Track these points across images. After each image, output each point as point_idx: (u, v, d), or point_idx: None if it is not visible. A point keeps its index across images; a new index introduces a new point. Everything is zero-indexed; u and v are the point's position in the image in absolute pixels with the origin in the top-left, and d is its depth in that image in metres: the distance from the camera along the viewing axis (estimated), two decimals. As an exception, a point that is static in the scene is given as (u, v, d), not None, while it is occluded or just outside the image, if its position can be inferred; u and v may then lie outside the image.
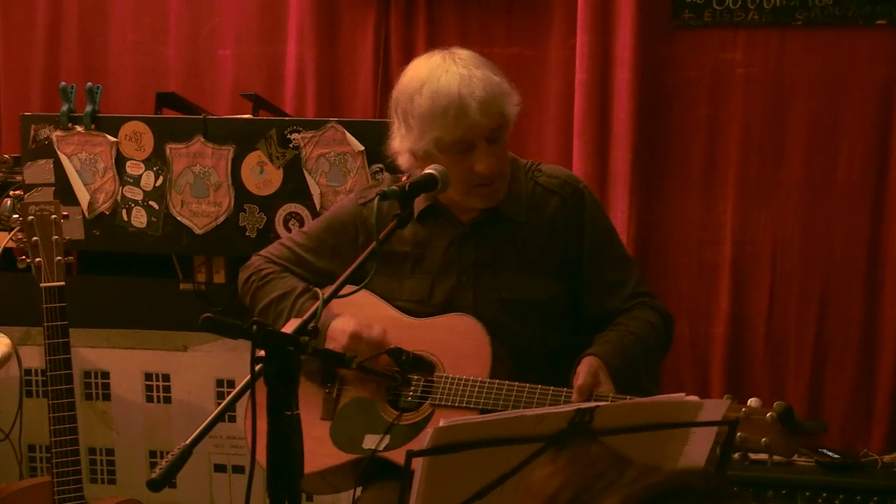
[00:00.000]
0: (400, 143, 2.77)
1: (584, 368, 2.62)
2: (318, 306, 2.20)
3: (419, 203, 2.83)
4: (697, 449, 2.10)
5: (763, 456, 3.61)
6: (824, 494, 3.52)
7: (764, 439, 2.30)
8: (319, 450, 2.72)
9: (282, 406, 1.98)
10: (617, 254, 2.90)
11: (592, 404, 1.97)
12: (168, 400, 3.83)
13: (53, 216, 3.20)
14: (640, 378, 2.72)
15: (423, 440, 1.95)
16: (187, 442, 1.92)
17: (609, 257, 2.87)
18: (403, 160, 2.80)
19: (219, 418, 1.97)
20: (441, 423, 1.89)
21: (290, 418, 2.01)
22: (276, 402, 1.97)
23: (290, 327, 2.26)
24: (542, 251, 2.83)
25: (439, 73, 2.69)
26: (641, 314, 2.83)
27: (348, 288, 2.36)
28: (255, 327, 1.93)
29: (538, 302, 2.81)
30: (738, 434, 2.28)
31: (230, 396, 1.97)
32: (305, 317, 2.19)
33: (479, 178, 2.72)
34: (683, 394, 2.08)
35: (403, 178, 2.76)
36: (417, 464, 1.90)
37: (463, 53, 2.75)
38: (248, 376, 2.02)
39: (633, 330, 2.77)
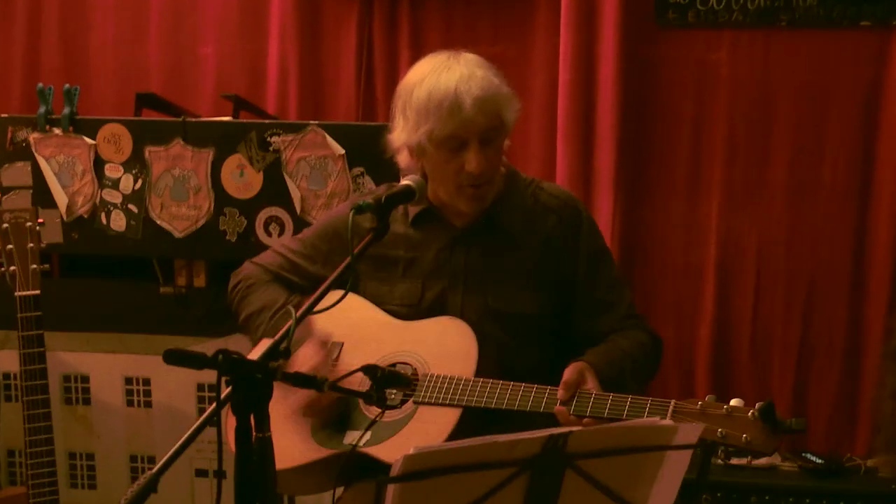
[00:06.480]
0: (397, 137, 2.77)
1: (572, 368, 2.61)
2: (290, 325, 2.17)
3: (414, 208, 2.85)
4: (672, 471, 2.08)
5: (744, 461, 3.61)
6: (807, 500, 3.51)
7: (745, 436, 2.30)
8: (300, 446, 2.72)
9: (250, 432, 1.95)
10: (610, 276, 2.89)
11: (566, 429, 1.94)
12: (149, 404, 3.81)
13: (29, 223, 3.16)
14: (627, 390, 2.69)
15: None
16: (153, 471, 1.89)
17: (602, 278, 2.86)
18: (402, 158, 2.81)
19: (181, 451, 1.93)
20: (411, 451, 1.86)
21: (261, 441, 1.99)
22: (245, 429, 1.94)
23: (260, 348, 2.23)
24: (534, 266, 2.82)
25: (441, 69, 2.71)
26: (632, 334, 2.83)
27: (327, 301, 2.33)
28: (220, 357, 1.90)
29: (524, 315, 2.80)
30: (720, 430, 2.30)
31: (191, 430, 1.94)
32: (277, 337, 2.16)
33: (468, 179, 2.72)
34: (658, 418, 2.06)
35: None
36: (389, 491, 1.87)
37: (469, 56, 2.76)
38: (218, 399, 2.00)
39: (623, 346, 2.77)
